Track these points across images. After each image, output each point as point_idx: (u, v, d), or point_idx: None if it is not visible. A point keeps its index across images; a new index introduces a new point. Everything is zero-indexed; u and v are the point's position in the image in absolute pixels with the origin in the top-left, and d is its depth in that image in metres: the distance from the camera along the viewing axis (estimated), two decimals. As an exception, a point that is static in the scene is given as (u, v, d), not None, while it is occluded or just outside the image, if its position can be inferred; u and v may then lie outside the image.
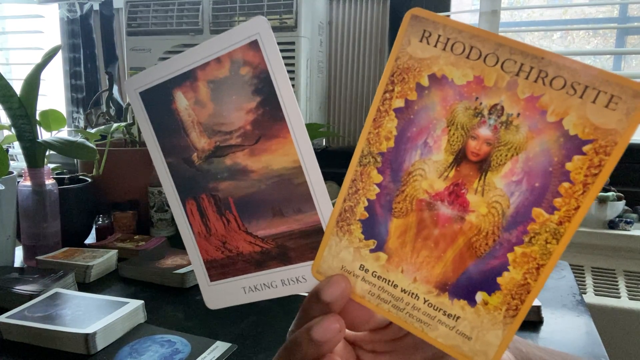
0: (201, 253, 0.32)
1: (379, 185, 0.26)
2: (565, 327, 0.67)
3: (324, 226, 0.28)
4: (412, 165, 0.25)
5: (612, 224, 1.24)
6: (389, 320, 0.27)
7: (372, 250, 0.27)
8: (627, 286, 1.15)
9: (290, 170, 0.29)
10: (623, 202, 1.24)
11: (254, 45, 0.28)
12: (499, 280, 0.24)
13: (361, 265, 0.27)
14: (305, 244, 0.29)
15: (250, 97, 0.29)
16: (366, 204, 0.27)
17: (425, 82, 0.25)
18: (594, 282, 1.17)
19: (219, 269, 0.31)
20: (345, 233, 0.27)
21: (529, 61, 0.23)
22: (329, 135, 1.51)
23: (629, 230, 1.22)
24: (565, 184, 0.22)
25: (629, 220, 1.23)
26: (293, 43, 1.24)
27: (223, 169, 0.30)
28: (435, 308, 0.25)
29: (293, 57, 1.25)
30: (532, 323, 0.67)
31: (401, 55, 0.25)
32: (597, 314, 1.05)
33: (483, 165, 0.24)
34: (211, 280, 0.32)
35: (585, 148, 0.22)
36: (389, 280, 0.26)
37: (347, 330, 0.28)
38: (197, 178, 0.31)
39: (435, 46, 0.24)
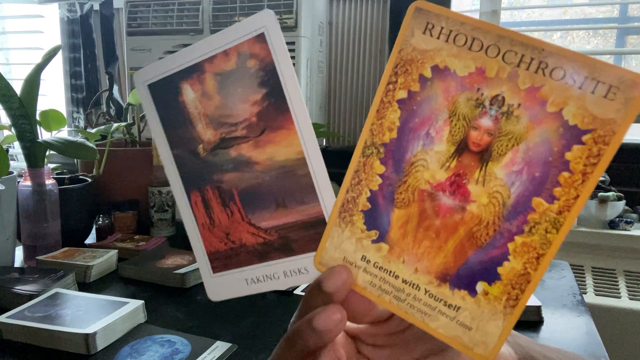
0: (204, 245, 0.32)
1: (381, 176, 0.26)
2: (566, 327, 0.67)
3: (327, 217, 0.28)
4: (414, 155, 0.25)
5: (612, 224, 1.24)
6: (390, 311, 0.27)
7: (373, 241, 0.27)
8: (627, 286, 1.15)
9: (294, 162, 0.29)
10: (623, 202, 1.24)
11: (261, 38, 0.28)
12: (500, 270, 0.24)
13: (363, 256, 0.27)
14: (307, 235, 0.29)
15: (256, 89, 0.29)
16: (368, 194, 0.27)
17: (428, 73, 0.25)
18: (594, 282, 1.17)
19: (222, 261, 0.31)
20: (347, 224, 0.27)
21: (529, 52, 0.23)
22: (329, 135, 1.51)
23: (629, 230, 1.22)
24: (565, 174, 0.23)
25: (629, 220, 1.23)
26: (293, 43, 1.24)
27: (228, 161, 0.30)
28: (436, 299, 0.26)
29: (293, 57, 1.25)
30: (532, 323, 0.67)
31: (405, 46, 0.25)
32: (597, 314, 1.05)
33: (484, 156, 0.24)
34: (214, 272, 0.32)
35: (584, 138, 0.22)
36: (391, 271, 0.26)
37: (347, 323, 0.28)
38: (202, 170, 0.31)
39: (438, 38, 0.24)
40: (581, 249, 1.24)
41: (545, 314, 0.69)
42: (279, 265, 0.30)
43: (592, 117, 0.22)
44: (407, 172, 0.26)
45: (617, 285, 1.15)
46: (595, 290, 1.13)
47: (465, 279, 0.25)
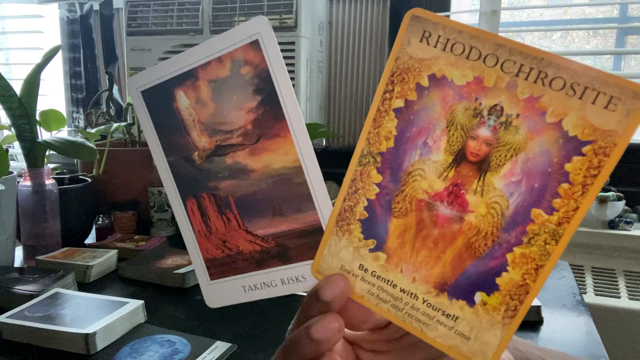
0: (201, 252, 0.32)
1: (378, 185, 0.26)
2: (565, 327, 0.67)
3: (324, 225, 0.28)
4: (411, 165, 0.25)
5: (612, 224, 1.24)
6: (388, 320, 0.27)
7: (371, 250, 0.27)
8: (627, 286, 1.15)
9: (291, 170, 0.29)
10: (623, 202, 1.24)
11: (255, 45, 0.28)
12: (498, 280, 0.24)
13: (360, 264, 0.27)
14: (305, 243, 0.29)
15: (250, 96, 0.29)
16: (366, 203, 0.27)
17: (425, 82, 0.25)
18: (594, 282, 1.17)
19: (219, 268, 0.31)
20: (344, 232, 0.27)
21: (528, 62, 0.23)
22: (329, 135, 1.51)
23: (629, 230, 1.22)
24: (565, 185, 0.22)
25: (629, 220, 1.23)
26: (293, 43, 1.24)
27: (223, 168, 0.30)
28: (434, 308, 0.25)
29: (293, 57, 1.25)
30: (532, 323, 0.67)
31: (401, 55, 0.25)
32: (597, 314, 1.05)
33: (482, 166, 0.24)
34: (211, 279, 0.32)
35: (584, 149, 0.22)
36: (388, 280, 0.26)
37: (346, 330, 0.28)
38: (197, 177, 0.31)
39: (435, 46, 0.24)
40: (581, 249, 1.24)
41: (545, 314, 0.69)
42: (276, 272, 0.30)
43: (593, 128, 0.22)
44: (405, 181, 0.26)
45: (617, 285, 1.15)
46: (595, 290, 1.13)
47: (463, 289, 0.25)
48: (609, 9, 1.46)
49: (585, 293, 1.11)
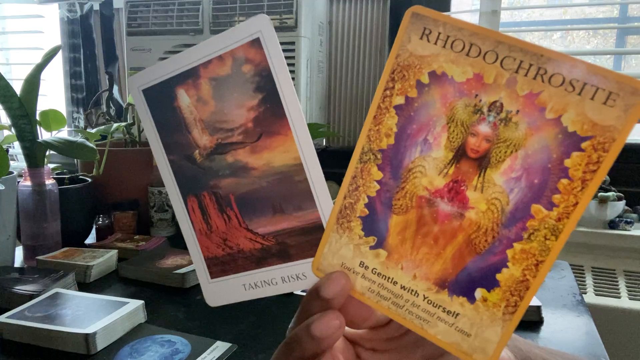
0: (202, 250, 0.32)
1: (379, 182, 0.26)
2: (566, 327, 0.67)
3: (324, 223, 0.28)
4: (412, 162, 0.25)
5: (612, 224, 1.24)
6: (389, 317, 0.27)
7: (372, 247, 0.27)
8: (627, 286, 1.15)
9: (291, 168, 0.29)
10: (623, 202, 1.24)
11: (256, 43, 0.28)
12: (498, 276, 0.24)
13: (361, 262, 0.27)
14: (305, 241, 0.29)
15: (251, 94, 0.29)
16: (366, 200, 0.27)
17: (425, 79, 0.25)
18: (594, 282, 1.17)
19: (219, 266, 0.31)
20: (345, 230, 0.27)
21: (528, 58, 0.23)
22: (329, 135, 1.51)
23: (629, 230, 1.22)
24: (564, 181, 0.22)
25: (629, 220, 1.23)
26: (293, 43, 1.24)
27: (224, 166, 0.30)
28: (435, 305, 0.25)
29: (293, 57, 1.25)
30: (532, 323, 0.67)
31: (401, 52, 0.25)
32: (597, 314, 1.05)
33: (482, 162, 0.24)
34: (212, 277, 0.32)
35: (583, 145, 0.22)
36: (389, 277, 0.26)
37: (346, 328, 0.28)
38: (198, 175, 0.31)
39: (436, 44, 0.24)
40: (581, 249, 1.24)
41: (545, 314, 0.69)
42: (276, 271, 0.30)
43: (592, 123, 0.22)
44: (405, 178, 0.26)
45: (617, 285, 1.15)
46: (595, 290, 1.13)
47: (464, 285, 0.25)
48: (609, 9, 1.46)
49: (585, 293, 1.11)
